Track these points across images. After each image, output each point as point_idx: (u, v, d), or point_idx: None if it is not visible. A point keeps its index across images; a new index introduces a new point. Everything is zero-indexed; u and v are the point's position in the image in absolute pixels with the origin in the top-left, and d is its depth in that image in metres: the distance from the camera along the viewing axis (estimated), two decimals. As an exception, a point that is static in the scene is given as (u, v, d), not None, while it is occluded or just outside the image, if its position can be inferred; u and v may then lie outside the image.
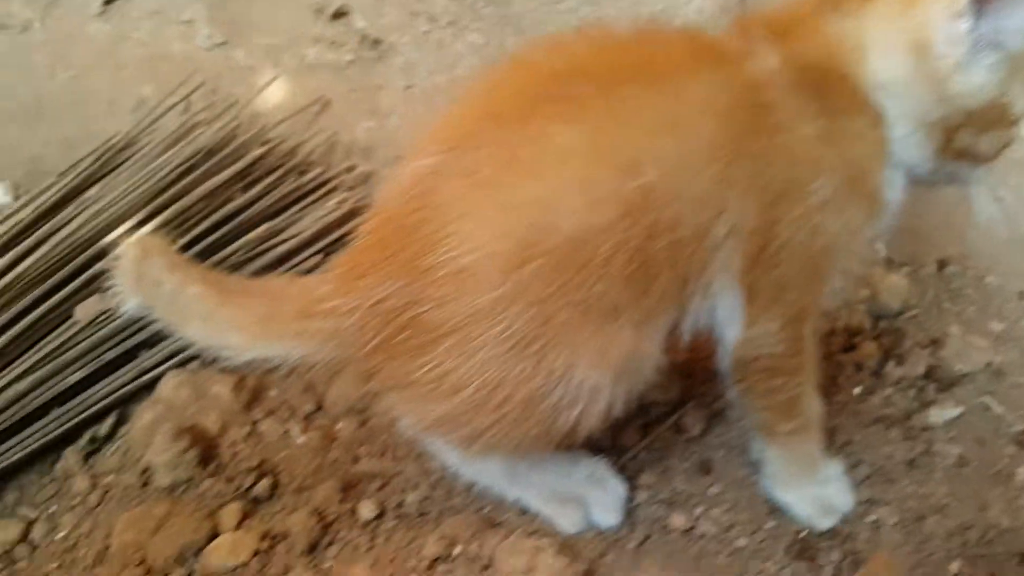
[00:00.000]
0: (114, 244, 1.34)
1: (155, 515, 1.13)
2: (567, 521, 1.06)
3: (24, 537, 1.18)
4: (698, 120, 0.92)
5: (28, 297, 1.28)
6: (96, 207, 1.36)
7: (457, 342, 0.93)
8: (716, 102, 0.92)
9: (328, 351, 1.03)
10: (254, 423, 1.28)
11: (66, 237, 1.34)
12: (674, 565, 1.00)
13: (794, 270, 0.97)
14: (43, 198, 1.41)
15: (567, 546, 1.00)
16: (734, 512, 1.09)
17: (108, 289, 1.17)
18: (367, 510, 1.11)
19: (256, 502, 1.15)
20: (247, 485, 1.17)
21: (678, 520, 1.07)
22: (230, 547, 1.06)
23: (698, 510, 1.09)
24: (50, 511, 1.21)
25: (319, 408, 1.31)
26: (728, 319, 1.01)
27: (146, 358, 1.31)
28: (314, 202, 1.53)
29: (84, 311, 1.28)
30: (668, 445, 1.19)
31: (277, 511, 1.13)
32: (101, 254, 1.32)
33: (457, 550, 1.02)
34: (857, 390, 1.29)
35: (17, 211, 1.39)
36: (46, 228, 1.35)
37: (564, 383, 0.94)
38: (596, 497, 1.07)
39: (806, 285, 0.99)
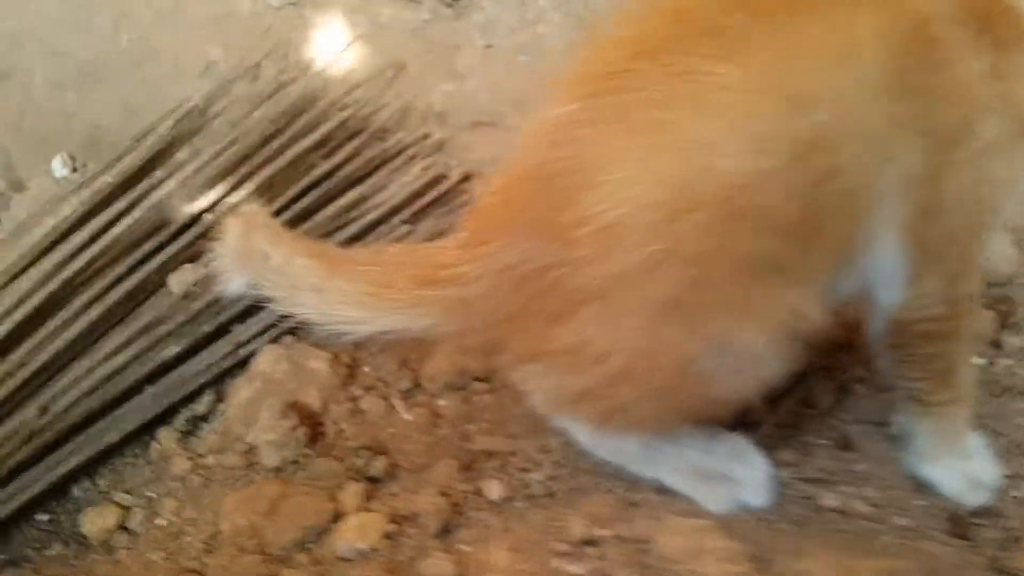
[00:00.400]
0: (203, 212, 1.29)
1: (267, 497, 1.07)
2: (714, 500, 1.00)
3: (121, 524, 1.12)
4: (870, 53, 0.85)
5: (119, 267, 1.21)
6: (181, 175, 1.29)
7: (601, 307, 0.87)
8: (886, 34, 0.86)
9: (450, 322, 0.97)
10: (354, 400, 1.22)
11: (149, 208, 1.27)
12: (838, 544, 0.95)
13: (960, 221, 0.91)
14: (120, 165, 1.34)
15: (724, 526, 0.95)
16: (883, 490, 1.03)
17: (201, 258, 1.12)
18: (494, 490, 1.05)
19: (374, 482, 1.09)
20: (360, 464, 1.12)
21: (829, 499, 1.01)
22: (358, 529, 1.00)
23: (847, 488, 1.03)
24: (148, 496, 1.16)
25: (417, 385, 1.25)
26: (887, 278, 0.94)
27: (240, 332, 1.25)
28: (396, 169, 1.47)
29: (178, 281, 1.21)
30: (798, 420, 1.13)
31: (397, 492, 1.07)
32: (191, 222, 1.26)
33: (603, 531, 0.96)
34: (980, 361, 1.24)
35: (97, 176, 1.32)
36: (129, 197, 1.29)
37: (721, 350, 0.88)
38: (742, 474, 1.01)
39: (971, 238, 0.94)
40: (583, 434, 1.04)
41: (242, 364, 1.25)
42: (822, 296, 0.93)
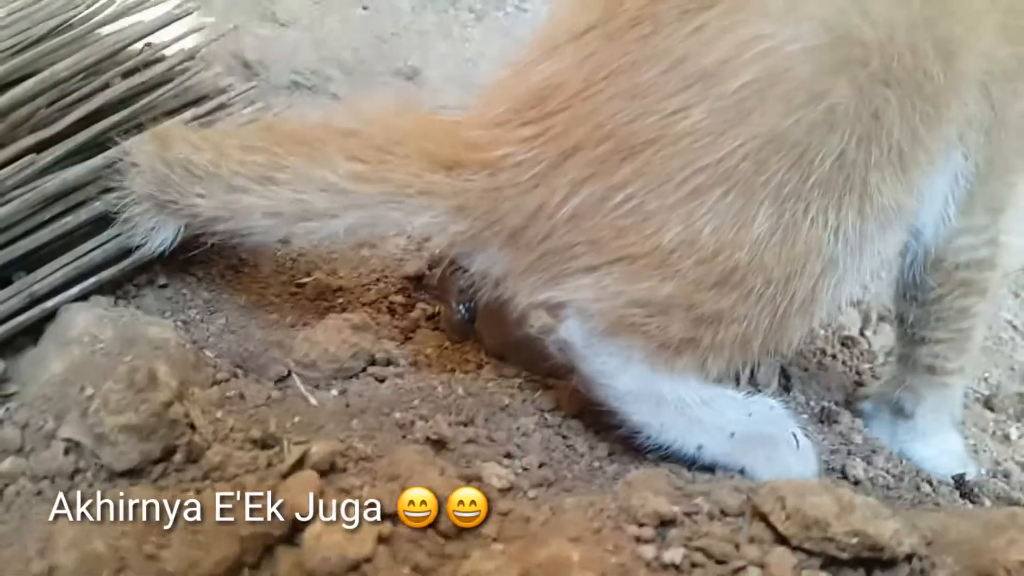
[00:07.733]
0: None
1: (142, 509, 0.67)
2: (763, 467, 0.81)
3: None
4: None
5: None
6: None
7: (721, 192, 0.71)
8: None
9: (467, 220, 0.77)
10: (220, 383, 0.85)
11: None
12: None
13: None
14: None
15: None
16: (890, 460, 0.93)
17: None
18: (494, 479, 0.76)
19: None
20: (271, 456, 0.75)
21: (856, 470, 0.88)
22: (342, 534, 0.65)
23: (860, 460, 0.91)
24: None
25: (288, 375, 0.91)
26: (939, 205, 0.85)
27: (34, 281, 0.81)
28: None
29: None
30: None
31: (358, 484, 0.73)
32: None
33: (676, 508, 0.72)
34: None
35: None
36: None
37: (845, 239, 0.74)
38: (785, 440, 0.84)
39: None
40: (626, 377, 0.80)
41: (37, 327, 0.82)
42: None
